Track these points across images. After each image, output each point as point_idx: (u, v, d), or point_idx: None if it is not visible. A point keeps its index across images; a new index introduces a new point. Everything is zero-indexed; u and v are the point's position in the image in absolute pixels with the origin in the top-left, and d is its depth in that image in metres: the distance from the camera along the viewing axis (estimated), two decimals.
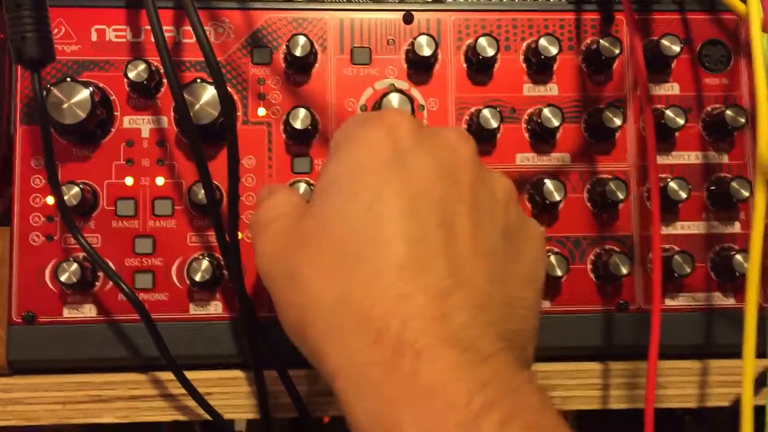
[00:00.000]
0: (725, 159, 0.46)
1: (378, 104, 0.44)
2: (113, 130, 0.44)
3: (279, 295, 0.31)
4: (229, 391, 0.43)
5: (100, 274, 0.42)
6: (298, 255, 0.31)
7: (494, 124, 0.43)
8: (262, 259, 0.34)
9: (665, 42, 0.44)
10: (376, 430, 0.25)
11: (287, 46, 0.43)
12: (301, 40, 0.43)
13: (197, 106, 0.41)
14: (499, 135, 0.45)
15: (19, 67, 0.43)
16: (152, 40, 0.38)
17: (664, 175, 0.45)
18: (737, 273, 0.43)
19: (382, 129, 0.31)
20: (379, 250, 0.28)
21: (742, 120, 0.44)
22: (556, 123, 0.43)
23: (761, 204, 0.32)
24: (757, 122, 0.31)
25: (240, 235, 0.43)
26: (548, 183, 0.43)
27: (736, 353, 0.37)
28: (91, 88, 0.42)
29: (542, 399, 0.27)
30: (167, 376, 0.42)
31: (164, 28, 0.43)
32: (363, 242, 0.29)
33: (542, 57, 0.44)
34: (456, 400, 0.25)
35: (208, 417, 0.42)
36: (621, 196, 0.43)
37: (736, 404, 0.43)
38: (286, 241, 0.32)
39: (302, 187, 0.43)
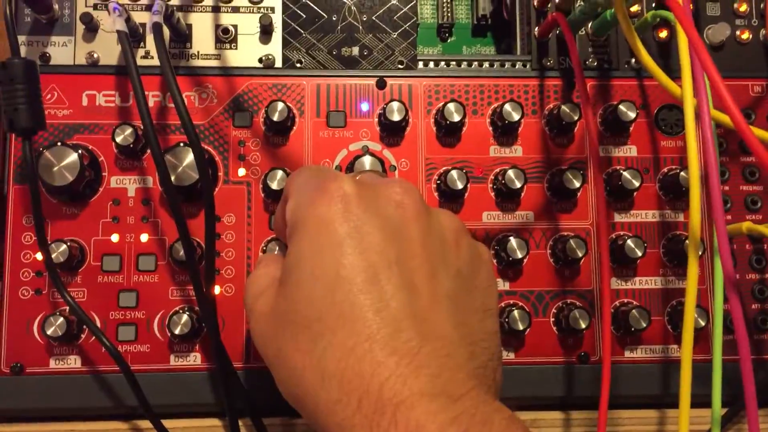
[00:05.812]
0: (681, 217, 0.49)
1: (351, 165, 0.46)
2: (101, 189, 0.46)
3: (272, 371, 0.34)
4: None
5: (85, 327, 0.45)
6: (279, 337, 0.33)
7: (460, 185, 0.46)
8: (254, 340, 0.36)
9: (622, 108, 0.47)
10: None
11: (266, 112, 0.46)
12: (279, 105, 0.46)
13: (180, 169, 0.44)
14: (466, 194, 0.48)
15: None
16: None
17: (623, 233, 0.48)
18: None
19: (331, 204, 0.33)
20: (348, 326, 0.30)
21: None
22: (518, 184, 0.46)
23: (694, 271, 0.34)
24: (690, 200, 0.34)
25: (218, 290, 0.45)
26: (512, 241, 0.46)
27: (693, 403, 0.39)
28: (80, 151, 0.44)
29: (509, 425, 0.29)
30: (148, 424, 0.44)
31: (152, 93, 0.47)
32: (332, 321, 0.31)
33: (506, 122, 0.47)
34: None
35: None
36: (580, 253, 0.46)
37: None
38: (268, 323, 0.34)
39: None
